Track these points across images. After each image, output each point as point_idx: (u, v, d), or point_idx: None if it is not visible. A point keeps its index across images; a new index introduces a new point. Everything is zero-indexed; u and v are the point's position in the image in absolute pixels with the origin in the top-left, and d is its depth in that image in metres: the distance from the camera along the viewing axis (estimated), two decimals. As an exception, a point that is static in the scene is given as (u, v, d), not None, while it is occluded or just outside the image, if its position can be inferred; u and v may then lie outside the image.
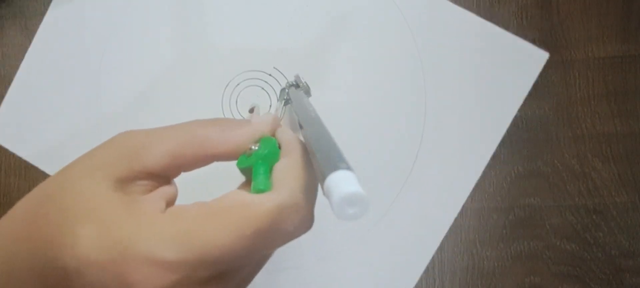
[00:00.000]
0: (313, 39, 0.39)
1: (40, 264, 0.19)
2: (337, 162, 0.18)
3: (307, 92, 0.36)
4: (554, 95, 0.38)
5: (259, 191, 0.20)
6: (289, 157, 0.22)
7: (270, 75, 0.38)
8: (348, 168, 0.18)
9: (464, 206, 0.38)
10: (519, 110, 0.38)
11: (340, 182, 0.17)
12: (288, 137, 0.23)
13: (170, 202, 0.21)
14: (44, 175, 0.39)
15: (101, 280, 0.18)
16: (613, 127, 0.38)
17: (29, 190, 0.35)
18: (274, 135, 0.24)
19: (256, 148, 0.23)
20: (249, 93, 0.39)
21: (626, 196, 0.38)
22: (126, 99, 0.39)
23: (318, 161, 0.19)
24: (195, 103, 0.39)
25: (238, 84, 0.39)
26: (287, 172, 0.21)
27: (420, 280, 0.39)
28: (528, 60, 0.38)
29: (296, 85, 0.35)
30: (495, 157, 0.38)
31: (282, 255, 0.39)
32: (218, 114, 0.39)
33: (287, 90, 0.35)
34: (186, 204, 0.20)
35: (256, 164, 0.22)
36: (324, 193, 0.18)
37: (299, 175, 0.21)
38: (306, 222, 0.20)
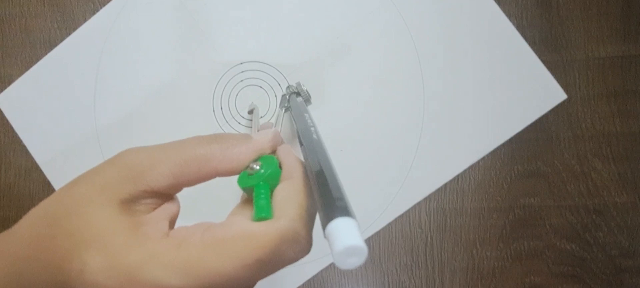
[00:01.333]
0: (313, 38, 0.39)
1: (49, 285, 0.19)
2: (337, 205, 0.18)
3: (308, 100, 0.36)
4: (554, 95, 0.38)
5: (261, 218, 0.21)
6: (289, 181, 0.22)
7: (268, 74, 0.38)
8: (348, 213, 0.18)
9: (464, 206, 0.38)
10: (519, 110, 0.38)
11: (341, 232, 0.17)
12: (289, 161, 0.24)
13: (173, 220, 0.22)
14: (43, 175, 0.39)
15: None
16: (613, 127, 0.38)
17: (29, 191, 0.35)
18: (275, 152, 0.25)
19: (257, 167, 0.23)
20: (248, 92, 0.39)
21: (626, 196, 0.38)
22: (123, 103, 0.39)
23: (319, 200, 0.19)
24: (193, 102, 0.39)
25: (237, 83, 0.39)
26: (288, 199, 0.21)
27: (421, 280, 0.39)
28: (544, 93, 0.38)
29: (297, 93, 0.35)
30: (495, 157, 0.38)
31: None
32: (217, 112, 0.39)
33: (288, 97, 0.35)
34: (188, 227, 0.21)
35: (257, 186, 0.22)
36: (324, 236, 0.18)
37: (300, 202, 0.21)
38: (305, 248, 0.21)
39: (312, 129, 0.26)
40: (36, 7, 0.39)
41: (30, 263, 0.20)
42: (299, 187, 0.22)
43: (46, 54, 0.39)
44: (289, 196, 0.21)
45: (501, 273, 0.39)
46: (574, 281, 0.38)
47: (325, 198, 0.19)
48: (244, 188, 0.23)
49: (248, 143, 0.23)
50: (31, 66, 0.39)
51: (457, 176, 0.38)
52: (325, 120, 0.38)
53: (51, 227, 0.20)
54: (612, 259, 0.38)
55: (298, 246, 0.20)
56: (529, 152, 0.39)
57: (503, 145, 0.38)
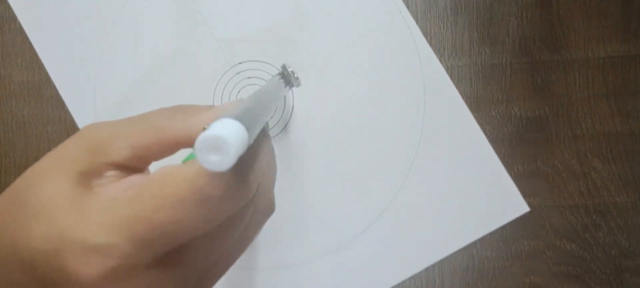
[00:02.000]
0: (313, 38, 0.39)
1: (5, 259, 0.19)
2: (229, 112, 0.17)
3: (294, 82, 0.34)
4: (554, 95, 0.38)
5: (186, 161, 0.20)
6: None
7: (266, 72, 0.39)
8: (237, 118, 0.16)
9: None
10: (519, 110, 0.38)
11: (213, 126, 0.16)
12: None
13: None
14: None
15: (48, 271, 0.18)
16: (613, 127, 0.38)
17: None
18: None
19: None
20: (246, 90, 0.39)
21: (626, 196, 0.38)
22: (122, 91, 0.39)
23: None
24: (193, 94, 0.39)
25: (237, 83, 0.39)
26: None
27: (421, 280, 0.39)
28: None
29: (281, 73, 0.34)
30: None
31: (283, 253, 0.39)
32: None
33: (272, 78, 0.34)
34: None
35: None
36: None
37: None
38: (232, 189, 0.19)
39: (272, 90, 0.25)
40: (36, 7, 0.39)
41: None
42: None
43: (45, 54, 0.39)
44: None
45: (501, 273, 0.39)
46: (574, 281, 0.38)
47: (229, 110, 0.18)
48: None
49: (209, 111, 0.22)
50: (31, 66, 0.39)
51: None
52: (325, 116, 0.38)
53: (11, 201, 0.20)
54: (612, 259, 0.38)
55: (221, 180, 0.18)
56: (529, 152, 0.39)
57: (503, 145, 0.38)
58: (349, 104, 0.38)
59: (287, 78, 0.33)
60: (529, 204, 0.38)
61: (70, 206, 0.19)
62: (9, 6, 0.39)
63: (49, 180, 0.20)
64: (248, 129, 0.17)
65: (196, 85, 0.39)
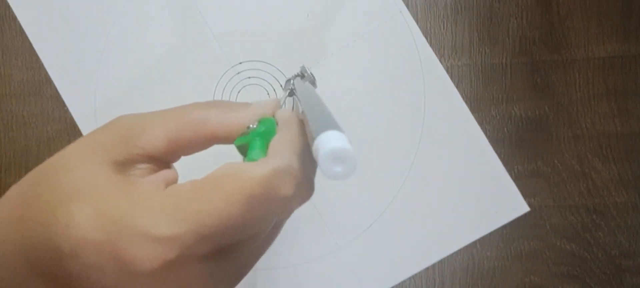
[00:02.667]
0: (313, 38, 0.39)
1: (32, 247, 0.18)
2: (327, 123, 0.18)
3: (313, 83, 0.35)
4: (554, 95, 0.38)
5: (253, 160, 0.20)
6: (284, 130, 0.21)
7: (266, 71, 0.38)
8: (337, 128, 0.17)
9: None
10: (519, 110, 0.38)
11: (328, 139, 0.17)
12: (285, 114, 0.23)
13: (169, 185, 0.20)
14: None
15: (97, 260, 0.17)
16: (613, 127, 0.38)
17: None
18: (273, 116, 0.24)
19: (254, 126, 0.22)
20: (246, 89, 0.39)
21: (626, 196, 0.38)
22: (122, 90, 0.39)
23: (310, 125, 0.18)
24: (193, 93, 0.39)
25: (237, 83, 0.39)
26: (281, 142, 0.20)
27: (421, 280, 0.39)
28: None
29: (301, 75, 0.35)
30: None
31: (283, 253, 0.39)
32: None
33: (292, 81, 0.35)
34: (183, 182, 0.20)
35: (253, 140, 0.21)
36: (314, 157, 0.17)
37: (293, 143, 0.20)
38: (304, 187, 0.20)
39: (312, 88, 0.26)
40: (36, 6, 0.39)
41: (15, 226, 0.18)
42: (293, 133, 0.21)
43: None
44: (282, 140, 0.20)
45: (501, 273, 0.39)
46: (574, 281, 0.38)
47: (316, 123, 0.18)
48: (240, 147, 0.22)
49: (246, 108, 0.22)
50: (31, 66, 0.39)
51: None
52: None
53: (38, 186, 0.19)
54: (612, 259, 0.38)
55: (293, 180, 0.19)
56: (529, 152, 0.39)
57: (503, 145, 0.38)
58: (349, 104, 0.38)
59: (310, 80, 0.34)
60: (529, 204, 0.38)
61: (117, 192, 0.18)
62: (9, 6, 0.39)
63: (83, 164, 0.19)
64: (343, 132, 0.17)
65: (196, 85, 0.39)
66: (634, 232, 0.38)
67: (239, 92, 0.39)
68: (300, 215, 0.38)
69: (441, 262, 0.39)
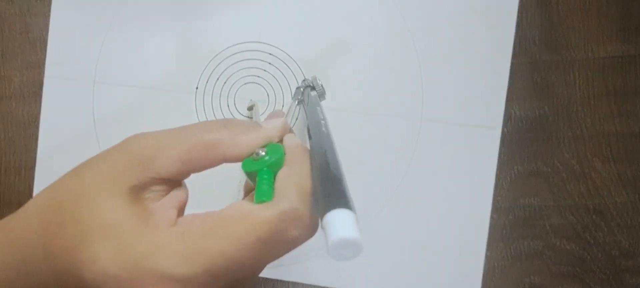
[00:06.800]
0: (311, 40, 0.39)
1: (58, 271, 0.20)
2: (338, 197, 0.18)
3: (322, 95, 0.35)
4: (553, 95, 0.38)
5: (261, 201, 0.21)
6: (292, 166, 0.22)
7: (265, 71, 0.39)
8: (347, 205, 0.18)
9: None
10: (519, 110, 0.38)
11: (338, 224, 0.17)
12: (294, 147, 0.24)
13: (181, 207, 0.22)
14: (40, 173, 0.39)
15: None
16: (613, 127, 0.38)
17: (28, 190, 0.35)
18: (282, 141, 0.25)
19: (263, 153, 0.23)
20: (246, 90, 0.39)
21: (626, 196, 0.38)
22: (122, 91, 0.39)
23: (320, 190, 0.19)
24: (193, 94, 0.39)
25: (236, 81, 0.39)
26: (289, 182, 0.21)
27: (420, 280, 0.39)
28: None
29: (312, 86, 0.35)
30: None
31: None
32: (216, 108, 0.39)
33: (302, 90, 0.35)
34: (194, 214, 0.21)
35: (260, 171, 0.22)
36: (321, 226, 0.18)
37: (301, 184, 0.21)
38: (309, 227, 0.21)
39: (323, 122, 0.26)
40: (36, 7, 0.39)
41: (40, 249, 0.20)
42: (302, 172, 0.22)
43: (46, 54, 0.39)
44: (291, 179, 0.21)
45: (501, 273, 0.39)
46: (574, 281, 0.38)
47: (327, 188, 0.19)
48: (248, 173, 0.23)
49: (257, 131, 0.23)
50: (31, 66, 0.39)
51: (457, 176, 0.38)
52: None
53: (59, 214, 0.21)
54: (612, 259, 0.38)
55: (300, 223, 0.20)
56: (529, 152, 0.39)
57: (503, 145, 0.38)
58: (348, 105, 0.38)
59: (320, 92, 0.34)
60: (529, 204, 0.38)
61: (137, 229, 0.20)
62: (9, 6, 0.39)
63: (104, 197, 0.20)
64: (352, 209, 0.18)
65: (196, 84, 0.39)
66: (634, 232, 0.38)
67: (235, 93, 0.39)
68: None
69: (441, 262, 0.39)
